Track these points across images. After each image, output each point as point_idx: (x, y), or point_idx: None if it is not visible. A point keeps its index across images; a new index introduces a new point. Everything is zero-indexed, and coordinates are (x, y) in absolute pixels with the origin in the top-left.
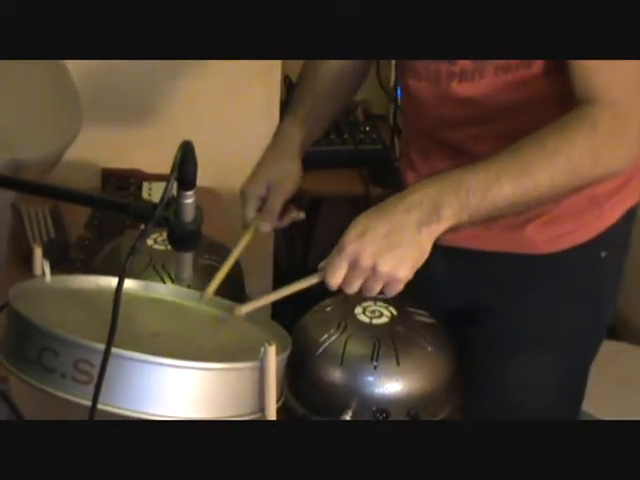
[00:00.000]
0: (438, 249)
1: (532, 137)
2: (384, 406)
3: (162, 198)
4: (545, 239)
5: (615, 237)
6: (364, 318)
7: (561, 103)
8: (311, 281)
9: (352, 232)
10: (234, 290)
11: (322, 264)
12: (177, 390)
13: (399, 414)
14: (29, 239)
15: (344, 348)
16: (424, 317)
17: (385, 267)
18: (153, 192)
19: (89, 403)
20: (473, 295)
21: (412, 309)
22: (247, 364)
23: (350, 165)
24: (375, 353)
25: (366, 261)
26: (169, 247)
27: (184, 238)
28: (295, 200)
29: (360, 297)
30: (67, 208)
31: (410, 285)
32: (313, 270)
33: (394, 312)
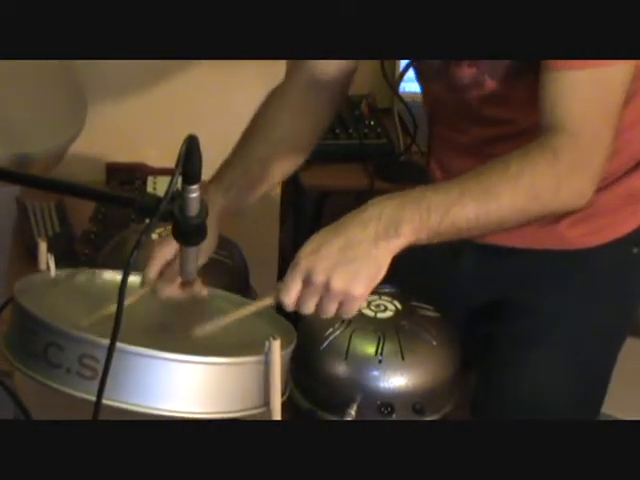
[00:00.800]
0: (471, 246)
1: (496, 161)
2: (389, 400)
3: (167, 192)
4: (577, 235)
5: None
6: (369, 312)
7: None
8: (266, 302)
9: (307, 247)
10: (239, 283)
11: (277, 284)
12: (182, 385)
13: (404, 408)
14: (34, 233)
15: (349, 342)
16: (429, 311)
17: (339, 283)
18: (158, 186)
19: (94, 398)
20: (501, 291)
21: (417, 303)
22: (252, 358)
23: (355, 159)
24: (380, 347)
25: (319, 277)
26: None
27: (189, 232)
28: (301, 194)
29: None
30: (72, 202)
31: (425, 281)
32: None
33: (399, 306)
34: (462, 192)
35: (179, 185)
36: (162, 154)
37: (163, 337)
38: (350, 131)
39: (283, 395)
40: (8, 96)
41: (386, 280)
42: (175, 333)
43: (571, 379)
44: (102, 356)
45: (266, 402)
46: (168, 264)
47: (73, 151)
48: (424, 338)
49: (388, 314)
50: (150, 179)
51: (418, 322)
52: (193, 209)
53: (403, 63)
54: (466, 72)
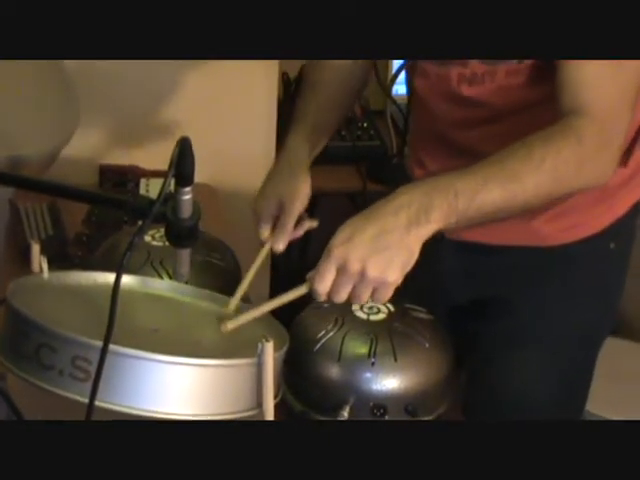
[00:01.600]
0: (448, 243)
1: (519, 145)
2: (381, 402)
3: (160, 194)
4: (554, 231)
5: (623, 228)
6: (361, 314)
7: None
8: (300, 291)
9: (339, 236)
10: (232, 285)
11: (310, 274)
12: (175, 387)
13: (396, 410)
14: (27, 235)
15: (341, 344)
16: (421, 313)
17: (374, 271)
18: (151, 188)
19: (87, 400)
20: (484, 289)
21: (410, 305)
22: (245, 360)
23: (348, 161)
24: (372, 349)
25: (354, 265)
26: (167, 243)
27: (182, 234)
28: None
29: None
30: (65, 204)
31: (410, 280)
32: (311, 267)
33: (391, 308)
34: (487, 177)
35: (172, 187)
36: (155, 156)
37: (156, 339)
38: (343, 133)
39: (276, 397)
40: (0, 98)
41: None
42: (168, 335)
43: (552, 377)
44: (95, 358)
45: (259, 404)
46: (274, 218)
47: (66, 153)
48: (416, 340)
49: (381, 316)
50: (143, 181)
51: (411, 324)
52: (186, 211)
53: (396, 65)
54: None
